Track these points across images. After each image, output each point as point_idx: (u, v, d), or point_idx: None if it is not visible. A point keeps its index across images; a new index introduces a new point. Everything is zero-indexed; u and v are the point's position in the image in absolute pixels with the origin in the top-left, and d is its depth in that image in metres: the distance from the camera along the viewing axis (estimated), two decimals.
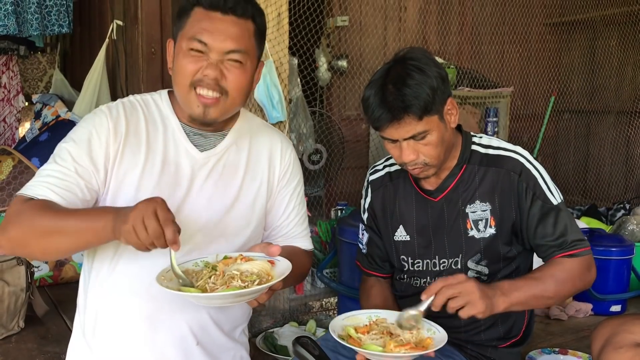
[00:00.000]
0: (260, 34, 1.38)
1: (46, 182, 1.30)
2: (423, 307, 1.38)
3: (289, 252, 1.49)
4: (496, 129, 3.82)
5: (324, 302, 2.52)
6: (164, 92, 1.48)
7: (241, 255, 1.31)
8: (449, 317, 1.67)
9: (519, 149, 1.62)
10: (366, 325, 1.42)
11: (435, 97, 1.47)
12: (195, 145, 1.42)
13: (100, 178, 1.35)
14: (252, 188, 1.49)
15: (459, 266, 1.62)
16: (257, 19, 1.36)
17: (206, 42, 1.29)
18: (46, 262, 2.83)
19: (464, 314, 1.37)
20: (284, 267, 1.26)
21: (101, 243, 1.28)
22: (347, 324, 1.43)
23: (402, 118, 1.46)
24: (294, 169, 1.57)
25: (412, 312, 1.38)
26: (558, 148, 4.32)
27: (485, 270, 1.62)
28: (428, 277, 1.67)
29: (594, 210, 3.46)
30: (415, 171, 1.55)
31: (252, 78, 1.39)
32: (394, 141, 1.52)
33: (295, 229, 1.58)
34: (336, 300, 2.54)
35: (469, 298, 1.35)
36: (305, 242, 1.61)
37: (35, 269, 2.75)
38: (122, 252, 1.38)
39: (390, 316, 1.44)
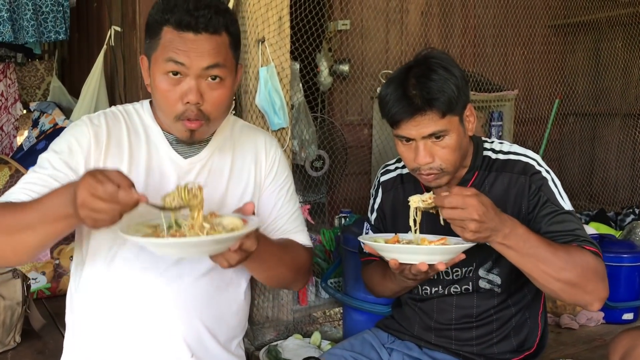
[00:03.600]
0: (235, 43, 1.34)
1: (22, 188, 1.28)
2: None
3: (284, 243, 1.46)
4: (500, 133, 3.77)
5: (328, 313, 2.47)
6: (145, 102, 1.46)
7: (212, 212, 1.25)
8: (460, 330, 1.63)
9: (530, 152, 1.58)
10: (395, 236, 1.45)
11: (460, 95, 1.42)
12: (178, 153, 1.41)
13: None
14: (237, 191, 1.46)
15: (471, 275, 1.57)
16: (231, 28, 1.31)
17: (183, 62, 1.24)
18: (43, 274, 2.78)
19: (454, 228, 1.30)
20: (255, 222, 1.20)
21: (72, 229, 1.19)
22: (375, 237, 1.47)
23: (425, 112, 1.40)
24: (280, 165, 1.54)
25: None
26: (563, 152, 4.26)
27: (497, 280, 1.57)
28: (440, 287, 1.62)
29: (602, 215, 3.40)
30: (430, 177, 1.49)
31: (233, 90, 1.36)
32: (409, 141, 1.46)
33: (288, 225, 1.53)
34: (341, 310, 2.48)
35: (464, 222, 1.27)
36: (301, 237, 1.55)
37: (33, 281, 2.70)
38: (111, 268, 1.35)
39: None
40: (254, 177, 1.49)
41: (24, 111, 4.50)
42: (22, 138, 4.20)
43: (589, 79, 4.24)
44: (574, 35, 4.23)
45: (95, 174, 1.04)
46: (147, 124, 1.41)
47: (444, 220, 1.34)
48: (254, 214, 1.24)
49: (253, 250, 1.18)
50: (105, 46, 3.17)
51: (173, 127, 1.34)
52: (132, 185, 1.05)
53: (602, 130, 4.31)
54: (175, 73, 1.26)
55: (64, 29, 3.41)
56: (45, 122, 3.49)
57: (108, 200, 1.02)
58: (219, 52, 1.27)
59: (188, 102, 1.27)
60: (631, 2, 3.91)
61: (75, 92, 3.76)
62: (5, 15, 3.17)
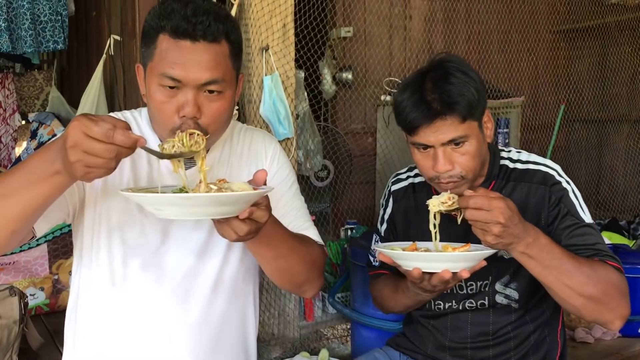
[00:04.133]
0: (236, 52, 1.25)
1: None
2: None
3: (297, 234, 1.38)
4: (507, 140, 3.71)
5: (336, 330, 2.40)
6: (143, 110, 1.39)
7: (220, 179, 1.19)
8: (477, 348, 1.56)
9: (549, 162, 1.53)
10: (412, 244, 1.40)
11: (480, 99, 1.37)
12: None
13: (75, 190, 1.24)
14: None
15: (487, 289, 1.51)
16: (232, 36, 1.22)
17: (179, 78, 1.17)
18: (42, 290, 2.70)
19: (474, 231, 1.25)
20: (267, 190, 1.12)
21: (59, 193, 1.07)
22: (391, 246, 1.41)
23: (445, 117, 1.34)
24: (281, 161, 1.47)
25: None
26: (570, 158, 4.20)
27: (515, 295, 1.51)
28: (453, 301, 1.55)
29: (614, 224, 3.32)
30: (449, 186, 1.42)
31: (233, 102, 1.29)
32: (427, 148, 1.40)
33: (296, 221, 1.44)
34: (349, 326, 2.41)
35: (488, 224, 1.21)
36: (312, 233, 1.46)
37: (31, 297, 2.63)
38: (115, 285, 1.29)
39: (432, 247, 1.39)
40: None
41: (23, 122, 4.44)
42: (21, 149, 4.14)
43: (596, 85, 4.18)
44: (581, 40, 4.16)
45: (87, 115, 0.96)
46: (145, 134, 1.35)
47: (462, 223, 1.29)
48: (265, 183, 1.17)
49: (264, 221, 1.09)
50: (104, 55, 3.10)
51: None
52: (128, 127, 0.97)
53: (609, 137, 4.25)
54: (172, 87, 1.19)
55: (62, 38, 3.34)
56: (44, 134, 3.43)
57: (104, 140, 0.93)
58: (218, 64, 1.19)
59: (184, 116, 1.19)
60: (639, 6, 3.85)
61: (74, 102, 3.70)
62: (3, 25, 3.10)
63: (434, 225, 1.36)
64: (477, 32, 3.90)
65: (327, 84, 3.19)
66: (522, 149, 1.64)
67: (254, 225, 1.08)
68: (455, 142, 1.37)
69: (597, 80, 4.18)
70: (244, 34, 2.16)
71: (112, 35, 3.05)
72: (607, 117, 4.19)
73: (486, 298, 1.52)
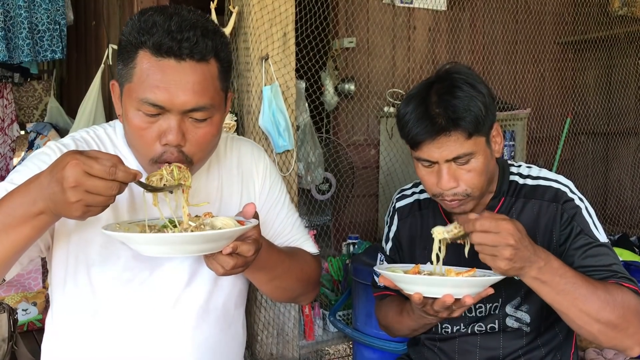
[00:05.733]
0: (226, 70, 1.14)
1: None
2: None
3: (291, 251, 1.34)
4: (512, 154, 3.65)
5: (337, 349, 2.33)
6: (118, 125, 1.26)
7: (207, 213, 1.14)
8: None
9: (561, 178, 1.46)
10: (415, 266, 1.34)
11: (488, 114, 1.30)
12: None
13: None
14: (231, 214, 1.30)
15: (497, 312, 1.45)
16: (221, 53, 1.11)
17: (161, 104, 1.05)
18: (34, 305, 2.63)
19: (482, 258, 1.18)
20: (252, 224, 1.09)
21: (40, 234, 1.02)
22: (393, 267, 1.36)
23: (450, 133, 1.28)
24: (272, 175, 1.40)
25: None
26: (576, 172, 4.15)
27: (526, 318, 1.44)
28: (462, 324, 1.48)
29: (625, 240, 3.23)
30: (453, 203, 1.35)
31: (221, 125, 1.19)
32: (431, 164, 1.34)
33: (292, 235, 1.41)
34: (351, 346, 2.33)
35: (497, 248, 1.15)
36: (308, 246, 1.43)
37: (23, 313, 2.57)
38: (94, 329, 1.20)
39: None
40: (247, 195, 1.35)
41: (22, 132, 4.40)
42: (18, 160, 4.10)
43: (603, 97, 4.13)
44: (588, 52, 4.11)
45: (81, 152, 0.92)
46: (123, 154, 1.23)
47: (470, 252, 1.22)
48: (256, 216, 1.12)
49: (250, 255, 1.05)
50: (102, 65, 3.07)
51: (148, 169, 1.15)
52: (121, 160, 0.94)
53: (616, 150, 4.18)
54: (152, 114, 1.08)
55: (60, 47, 3.29)
56: (41, 144, 3.38)
57: (106, 178, 0.90)
58: (206, 89, 1.08)
59: (167, 144, 1.08)
60: None
61: (74, 113, 3.64)
62: (0, 33, 3.06)
63: (437, 256, 1.29)
64: (482, 43, 3.86)
65: (329, 95, 3.15)
66: (527, 161, 1.58)
67: (240, 259, 1.05)
68: (460, 158, 1.31)
69: (604, 92, 4.13)
70: (244, 43, 2.10)
71: (110, 45, 3.02)
72: (614, 130, 4.14)
73: (496, 321, 1.46)
